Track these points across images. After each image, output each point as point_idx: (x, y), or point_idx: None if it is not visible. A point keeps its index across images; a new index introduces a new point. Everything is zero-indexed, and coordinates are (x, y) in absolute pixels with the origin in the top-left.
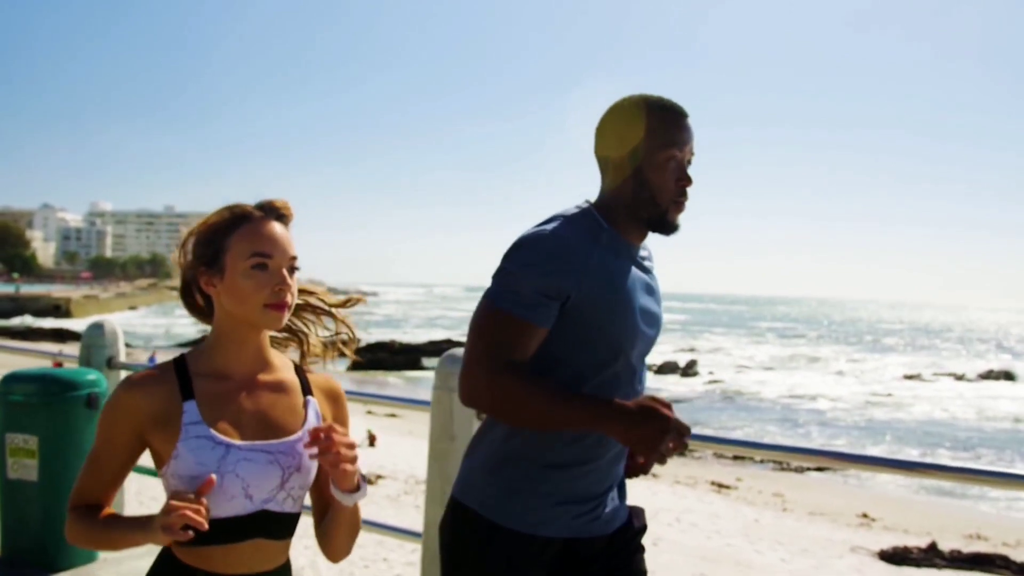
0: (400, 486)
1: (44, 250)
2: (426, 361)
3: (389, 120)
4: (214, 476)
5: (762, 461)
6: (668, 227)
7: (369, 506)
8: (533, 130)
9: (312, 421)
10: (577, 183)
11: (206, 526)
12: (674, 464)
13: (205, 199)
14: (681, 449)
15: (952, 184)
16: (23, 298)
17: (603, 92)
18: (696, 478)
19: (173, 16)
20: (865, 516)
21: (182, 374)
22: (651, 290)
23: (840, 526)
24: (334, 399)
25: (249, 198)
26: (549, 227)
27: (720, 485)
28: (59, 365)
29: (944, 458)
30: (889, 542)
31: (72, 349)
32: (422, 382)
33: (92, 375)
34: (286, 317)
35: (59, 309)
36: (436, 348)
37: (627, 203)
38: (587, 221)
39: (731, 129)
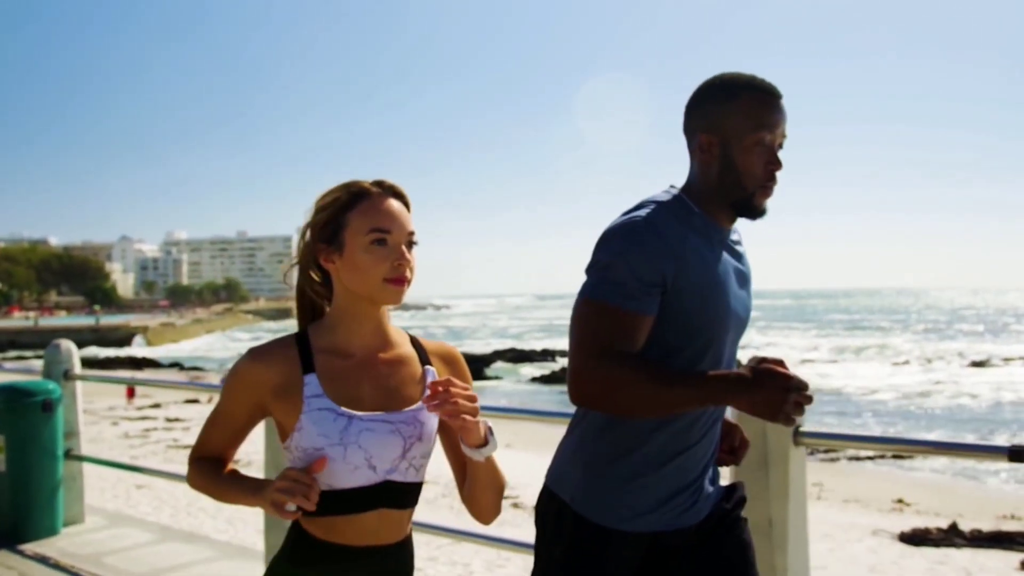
0: (439, 489)
1: (123, 281)
2: (488, 371)
3: (448, 131)
4: (327, 455)
5: (812, 452)
6: (754, 211)
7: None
8: (587, 128)
9: None
10: (636, 176)
11: (313, 506)
12: None
13: (276, 222)
14: (805, 405)
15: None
16: (103, 328)
17: (631, 86)
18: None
19: (233, 39)
20: (900, 502)
21: (303, 347)
22: (742, 275)
23: (871, 512)
24: (451, 362)
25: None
26: (640, 213)
27: None
28: (132, 392)
29: (998, 441)
30: (916, 525)
31: (146, 375)
32: (484, 391)
33: (50, 385)
34: (406, 291)
35: (123, 340)
36: (500, 357)
37: (713, 186)
38: (677, 206)
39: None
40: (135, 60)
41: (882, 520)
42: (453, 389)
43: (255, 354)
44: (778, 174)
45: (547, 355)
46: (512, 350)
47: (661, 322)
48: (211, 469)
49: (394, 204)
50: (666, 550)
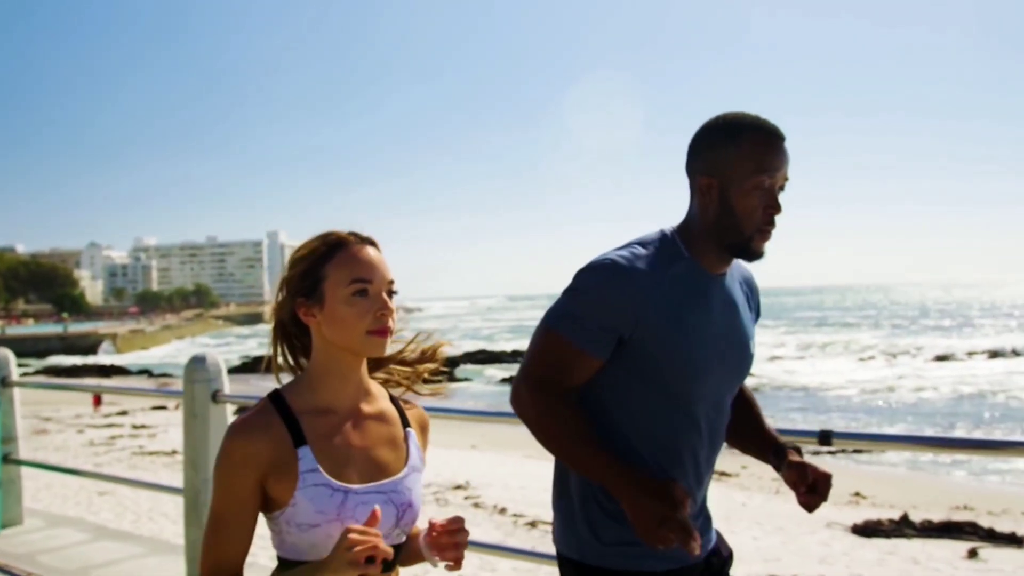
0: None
1: (92, 288)
2: (458, 372)
3: (420, 135)
4: (378, 508)
5: None
6: (751, 254)
7: None
8: (563, 131)
9: (414, 455)
10: (608, 176)
11: (392, 554)
12: None
13: (246, 227)
14: (675, 545)
15: (1003, 163)
16: (71, 336)
17: (617, 85)
18: None
19: (202, 44)
20: (857, 495)
21: (285, 414)
22: (735, 324)
23: (827, 505)
24: (423, 429)
25: (287, 221)
26: (620, 253)
27: (721, 473)
28: (98, 400)
29: (958, 434)
30: (870, 518)
31: (114, 382)
32: (457, 393)
33: None
34: (389, 343)
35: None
36: (470, 359)
37: (711, 228)
38: (665, 248)
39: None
40: (101, 66)
41: (837, 513)
42: (460, 540)
43: (241, 430)
44: (777, 218)
45: (517, 356)
46: (482, 351)
47: (629, 372)
48: None
49: (372, 253)
50: None
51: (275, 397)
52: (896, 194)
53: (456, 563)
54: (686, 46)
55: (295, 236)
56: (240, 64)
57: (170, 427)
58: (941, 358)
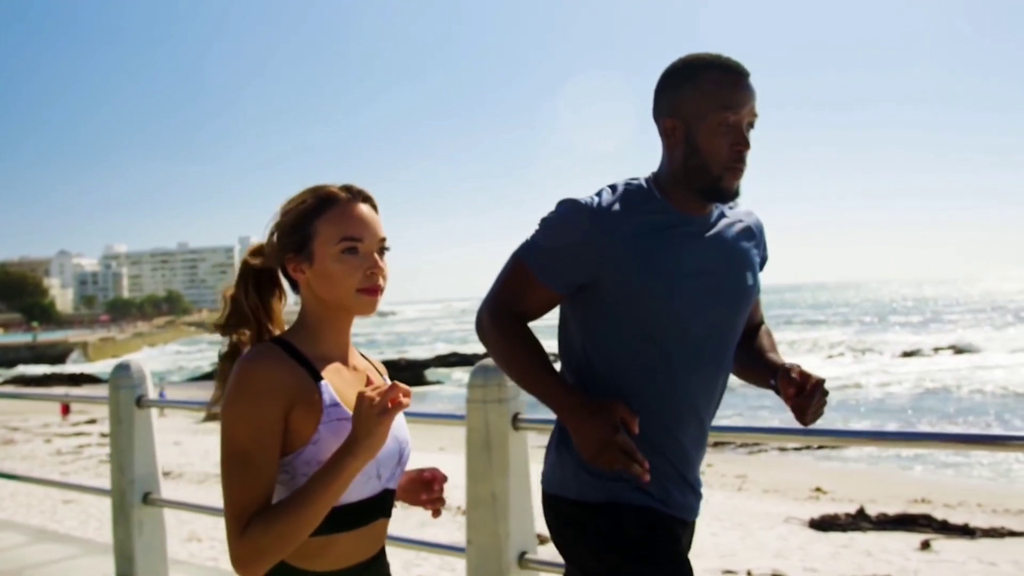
0: None
1: (62, 297)
2: (430, 375)
3: (403, 137)
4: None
5: (742, 445)
6: (724, 194)
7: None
8: (541, 133)
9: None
10: (597, 177)
11: (410, 392)
12: None
13: (218, 233)
14: (619, 463)
15: (973, 153)
16: (40, 345)
17: (599, 85)
18: None
19: (175, 49)
20: (818, 490)
21: (294, 354)
22: (725, 262)
23: (788, 500)
24: (384, 375)
25: (259, 226)
26: (591, 195)
27: None
28: (67, 409)
29: (921, 428)
30: (829, 512)
31: (83, 391)
32: (428, 396)
33: None
34: (379, 301)
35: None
36: (441, 362)
37: (679, 171)
38: (636, 191)
39: None
40: (70, 70)
41: (796, 508)
42: (436, 490)
43: (263, 356)
44: (747, 154)
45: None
46: (454, 354)
47: (599, 312)
48: (277, 513)
49: (364, 210)
50: (674, 536)
51: (278, 341)
52: (873, 189)
53: (436, 510)
54: (680, 44)
55: None
56: (213, 68)
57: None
58: (908, 354)
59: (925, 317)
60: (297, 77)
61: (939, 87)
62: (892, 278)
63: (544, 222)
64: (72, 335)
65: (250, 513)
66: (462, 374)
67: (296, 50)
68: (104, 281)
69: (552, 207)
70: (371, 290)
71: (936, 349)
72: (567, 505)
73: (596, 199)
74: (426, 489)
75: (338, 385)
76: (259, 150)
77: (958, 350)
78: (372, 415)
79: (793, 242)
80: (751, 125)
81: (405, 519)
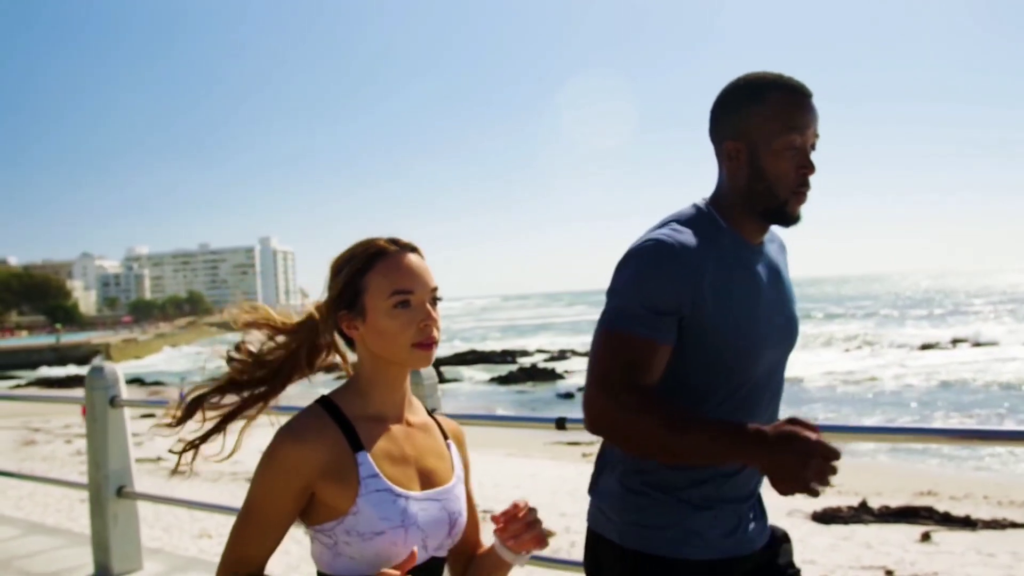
0: None
1: (85, 299)
2: (447, 372)
3: (412, 137)
4: (416, 550)
5: None
6: (788, 219)
7: None
8: (555, 130)
9: (458, 466)
10: (602, 174)
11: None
12: None
13: (239, 233)
14: (829, 477)
15: (997, 147)
16: (64, 347)
17: (599, 84)
18: None
19: (193, 52)
20: None
21: (339, 419)
22: (781, 292)
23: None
24: (461, 443)
25: (279, 226)
26: (660, 233)
27: None
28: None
29: (936, 423)
30: (831, 505)
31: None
32: (445, 394)
33: None
34: (434, 354)
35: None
36: (459, 360)
37: (743, 195)
38: (703, 222)
39: None
40: (92, 75)
41: (800, 501)
42: (530, 515)
43: (294, 432)
44: (811, 178)
45: (507, 356)
46: (472, 352)
47: (685, 359)
48: None
49: (414, 260)
50: None
51: (325, 402)
52: (895, 183)
53: (541, 542)
54: (678, 43)
55: (287, 241)
56: (230, 71)
57: (157, 436)
58: (926, 347)
59: (946, 310)
60: (309, 79)
61: (962, 84)
62: (914, 270)
63: (619, 282)
64: (95, 337)
65: (238, 568)
66: (483, 373)
67: (307, 53)
68: (126, 283)
69: (626, 259)
70: (426, 344)
71: (955, 341)
72: (625, 554)
73: (669, 238)
74: (515, 521)
75: (384, 448)
76: (274, 150)
77: (977, 343)
78: None
79: (817, 236)
80: (813, 147)
81: None
